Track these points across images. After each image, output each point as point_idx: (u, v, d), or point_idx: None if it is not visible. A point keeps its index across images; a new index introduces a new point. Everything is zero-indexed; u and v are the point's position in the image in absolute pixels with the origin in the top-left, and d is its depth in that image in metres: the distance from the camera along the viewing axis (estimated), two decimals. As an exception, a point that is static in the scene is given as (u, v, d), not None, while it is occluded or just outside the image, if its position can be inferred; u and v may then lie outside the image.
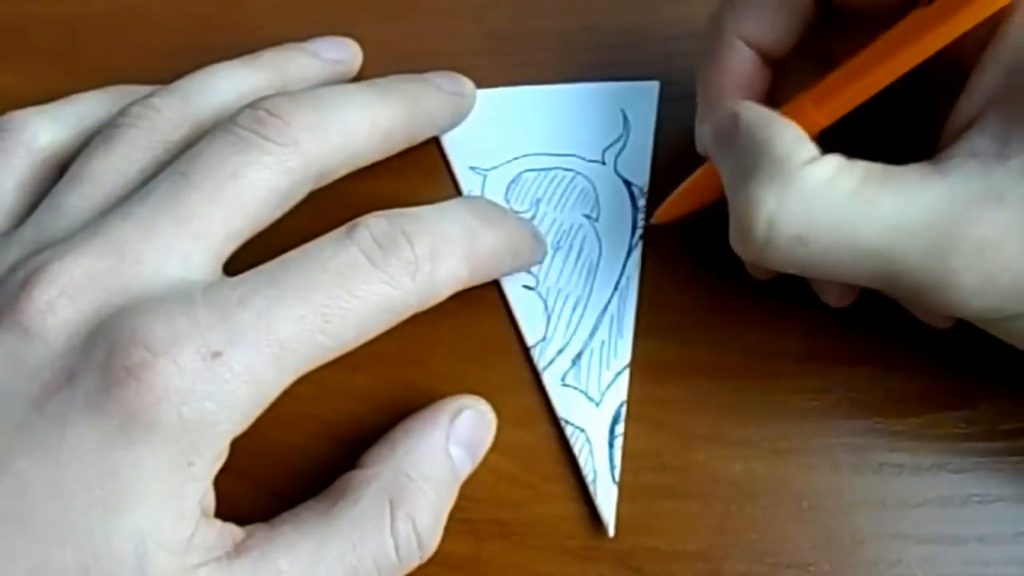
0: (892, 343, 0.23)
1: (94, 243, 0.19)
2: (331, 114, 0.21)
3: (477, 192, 0.25)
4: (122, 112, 0.22)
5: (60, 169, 0.23)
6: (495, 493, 0.22)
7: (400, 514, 0.19)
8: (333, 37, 0.26)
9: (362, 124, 0.22)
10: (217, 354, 0.17)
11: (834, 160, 0.19)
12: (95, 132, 0.23)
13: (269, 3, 0.29)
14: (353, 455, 0.21)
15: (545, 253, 0.24)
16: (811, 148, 0.19)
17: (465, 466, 0.21)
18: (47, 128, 0.23)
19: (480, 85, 0.27)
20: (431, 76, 0.25)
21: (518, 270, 0.24)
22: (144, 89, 0.25)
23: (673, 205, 0.24)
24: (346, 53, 0.26)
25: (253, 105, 0.21)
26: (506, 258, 0.22)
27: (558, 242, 0.25)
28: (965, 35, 0.19)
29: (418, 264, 0.19)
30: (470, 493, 0.21)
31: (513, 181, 0.26)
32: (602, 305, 0.24)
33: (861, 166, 0.19)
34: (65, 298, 0.18)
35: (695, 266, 0.24)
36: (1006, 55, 0.19)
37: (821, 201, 0.18)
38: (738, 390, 0.23)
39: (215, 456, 0.18)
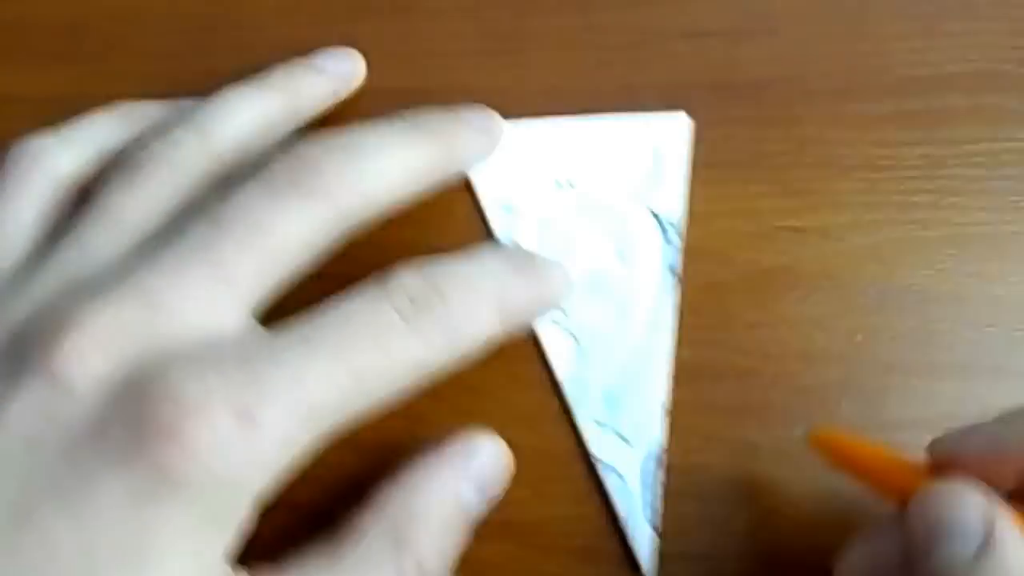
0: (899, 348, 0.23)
1: (123, 290, 0.18)
2: (364, 160, 0.21)
3: (507, 229, 0.25)
4: (141, 145, 0.22)
5: (79, 196, 0.23)
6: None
7: (406, 555, 0.19)
8: (335, 49, 0.26)
9: (396, 169, 0.21)
10: (249, 413, 0.17)
11: None
12: (111, 154, 0.23)
13: (269, 3, 0.29)
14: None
15: (572, 290, 0.23)
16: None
17: (477, 504, 0.21)
18: (66, 155, 0.23)
19: (480, 85, 0.27)
20: (460, 110, 0.24)
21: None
22: (152, 106, 0.25)
23: (840, 451, 0.20)
24: (350, 65, 0.26)
25: (286, 152, 0.20)
26: (539, 309, 0.22)
27: (590, 279, 0.24)
28: None
29: (451, 322, 0.19)
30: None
31: (543, 218, 0.25)
32: (635, 343, 0.23)
33: None
34: (95, 347, 0.17)
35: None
36: None
37: None
38: (740, 390, 0.23)
39: (243, 515, 0.18)
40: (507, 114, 0.26)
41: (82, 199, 0.23)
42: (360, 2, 0.29)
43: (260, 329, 0.19)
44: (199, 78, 0.27)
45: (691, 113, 0.26)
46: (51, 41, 0.28)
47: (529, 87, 0.27)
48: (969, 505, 0.15)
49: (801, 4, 0.28)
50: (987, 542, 0.15)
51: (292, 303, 0.19)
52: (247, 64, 0.27)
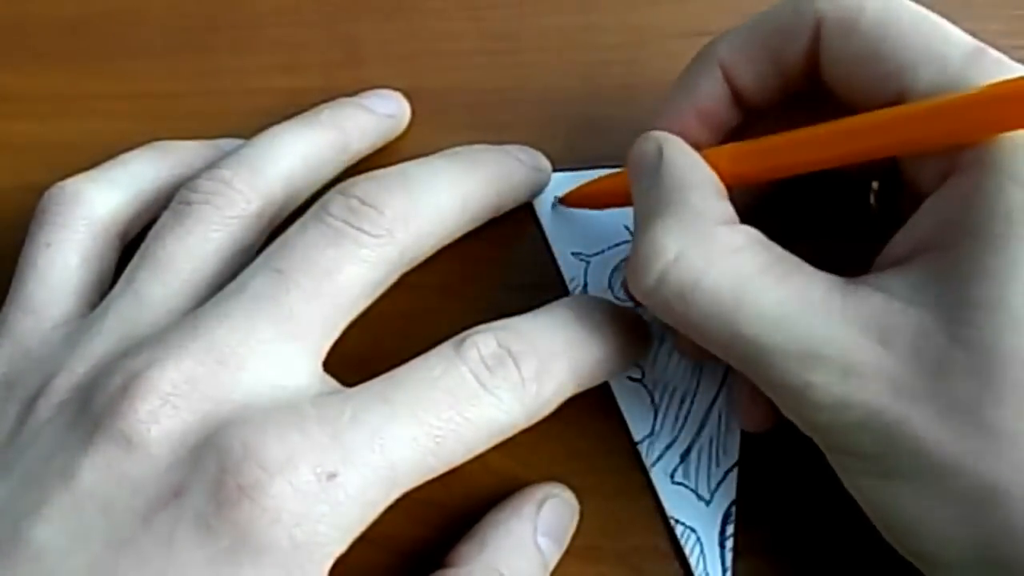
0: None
1: (193, 345, 0.18)
2: (422, 197, 0.21)
3: (580, 278, 0.24)
4: (191, 187, 0.21)
5: (121, 237, 0.23)
6: (496, 493, 0.22)
7: None
8: (383, 91, 0.26)
9: (452, 204, 0.21)
10: (332, 475, 0.17)
11: (750, 233, 0.19)
12: (150, 194, 0.23)
13: (269, 3, 0.29)
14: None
15: (651, 345, 0.23)
16: (728, 210, 0.19)
17: (553, 555, 0.21)
18: (102, 196, 0.22)
19: (480, 85, 0.27)
20: (510, 149, 0.24)
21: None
22: (189, 145, 0.24)
23: (582, 195, 0.24)
24: (397, 107, 0.26)
25: (344, 193, 0.20)
26: (614, 367, 0.21)
27: (663, 332, 0.23)
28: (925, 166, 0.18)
29: (525, 386, 0.19)
30: (471, 494, 0.22)
31: (616, 268, 0.24)
32: (709, 399, 0.23)
33: (775, 251, 0.18)
34: (168, 407, 0.17)
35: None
36: (942, 207, 0.18)
37: (718, 269, 0.18)
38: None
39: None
40: (509, 114, 0.26)
41: (122, 241, 0.23)
42: (360, 2, 0.29)
43: (335, 385, 0.19)
44: (199, 77, 0.28)
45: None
46: (51, 41, 0.28)
47: (529, 87, 0.27)
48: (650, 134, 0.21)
49: (801, 4, 0.28)
50: (660, 150, 0.20)
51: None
52: (247, 64, 0.28)
